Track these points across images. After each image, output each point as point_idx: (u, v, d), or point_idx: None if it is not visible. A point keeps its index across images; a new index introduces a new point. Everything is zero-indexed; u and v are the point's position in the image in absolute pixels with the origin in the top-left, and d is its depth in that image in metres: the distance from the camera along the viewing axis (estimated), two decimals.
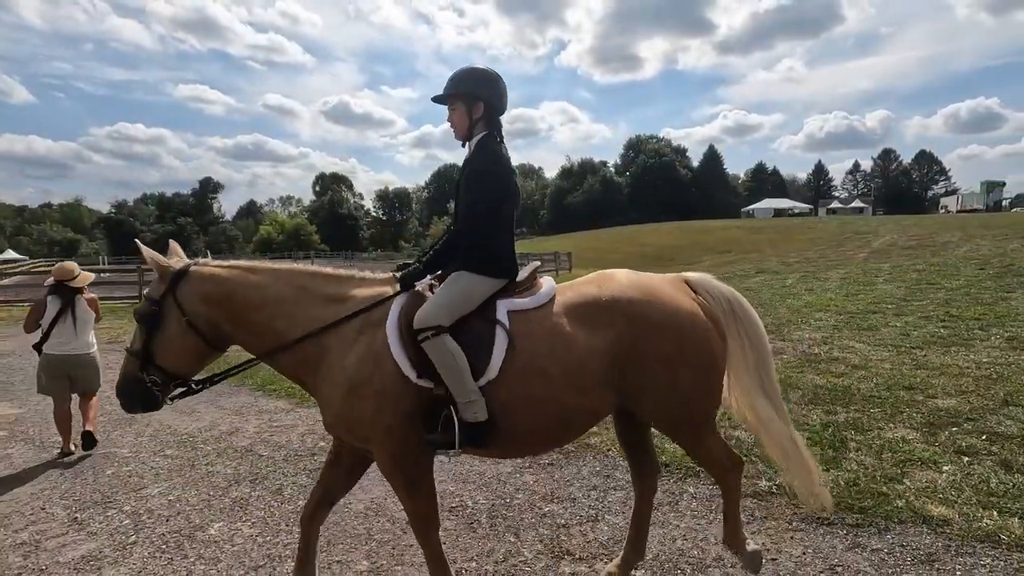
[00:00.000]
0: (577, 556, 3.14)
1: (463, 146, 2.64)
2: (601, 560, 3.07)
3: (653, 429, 2.82)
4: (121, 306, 15.28)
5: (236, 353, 2.66)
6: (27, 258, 52.82)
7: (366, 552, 3.27)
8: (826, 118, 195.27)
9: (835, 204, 77.91)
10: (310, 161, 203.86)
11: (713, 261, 26.07)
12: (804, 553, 3.04)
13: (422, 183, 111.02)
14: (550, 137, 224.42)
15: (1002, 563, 2.85)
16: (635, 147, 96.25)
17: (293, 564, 2.77)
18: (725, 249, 30.67)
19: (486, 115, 2.58)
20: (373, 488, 3.98)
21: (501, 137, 2.61)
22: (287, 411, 6.15)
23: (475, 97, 2.55)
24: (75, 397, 5.17)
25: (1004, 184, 62.78)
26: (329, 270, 2.62)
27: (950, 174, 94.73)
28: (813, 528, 3.27)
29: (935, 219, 34.13)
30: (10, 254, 55.88)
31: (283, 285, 2.50)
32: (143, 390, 2.41)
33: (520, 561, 3.11)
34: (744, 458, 3.01)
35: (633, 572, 2.86)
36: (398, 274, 2.55)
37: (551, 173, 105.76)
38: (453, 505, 3.78)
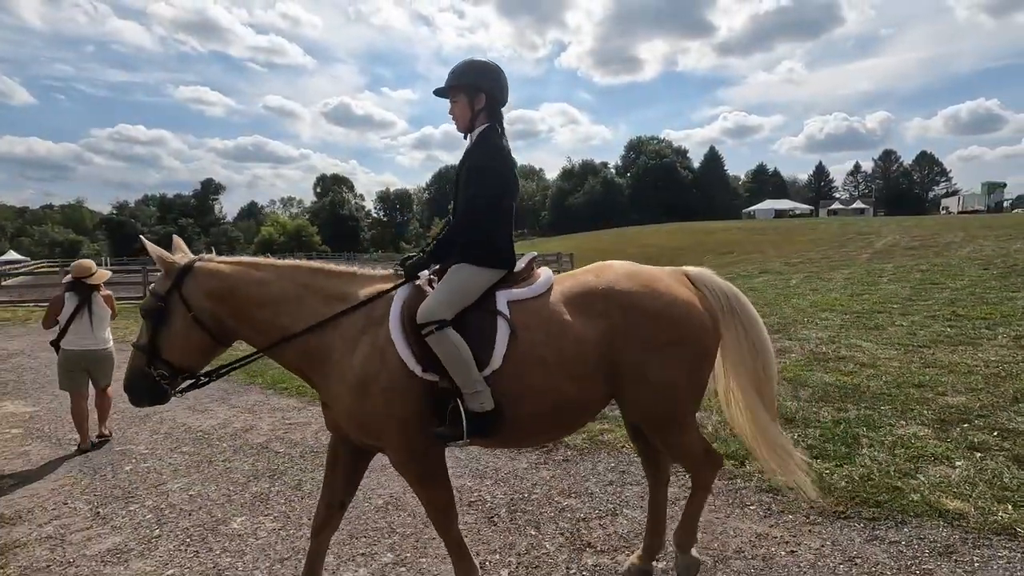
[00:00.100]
0: (599, 548, 3.17)
1: (465, 138, 2.66)
2: (623, 552, 3.11)
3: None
4: (123, 306, 15.28)
5: (240, 349, 2.69)
6: (29, 259, 52.81)
7: (389, 545, 3.31)
8: (826, 119, 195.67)
9: (836, 205, 77.75)
10: (311, 162, 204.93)
11: (716, 262, 25.99)
12: (823, 545, 3.08)
13: (423, 184, 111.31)
14: (550, 138, 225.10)
15: (1019, 555, 2.89)
16: (636, 148, 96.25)
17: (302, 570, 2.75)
18: (727, 250, 30.64)
19: (488, 106, 2.60)
20: (391, 483, 4.03)
21: (502, 129, 2.63)
22: (299, 409, 6.19)
23: (477, 88, 2.57)
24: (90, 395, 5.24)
25: (1005, 185, 62.72)
26: (331, 266, 2.65)
27: (951, 175, 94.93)
28: (830, 521, 3.31)
29: (937, 220, 34.05)
30: (12, 255, 55.90)
31: (286, 281, 2.53)
32: (150, 384, 2.44)
33: (543, 553, 3.15)
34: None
35: (655, 563, 2.90)
36: (400, 268, 2.57)
37: (552, 174, 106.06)
38: (472, 500, 3.82)
